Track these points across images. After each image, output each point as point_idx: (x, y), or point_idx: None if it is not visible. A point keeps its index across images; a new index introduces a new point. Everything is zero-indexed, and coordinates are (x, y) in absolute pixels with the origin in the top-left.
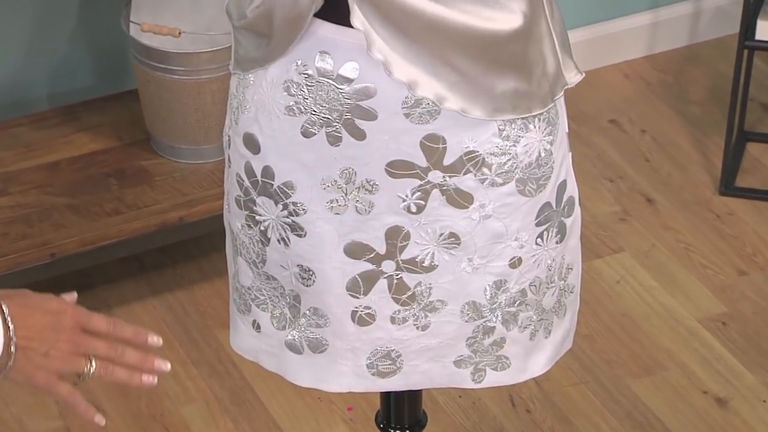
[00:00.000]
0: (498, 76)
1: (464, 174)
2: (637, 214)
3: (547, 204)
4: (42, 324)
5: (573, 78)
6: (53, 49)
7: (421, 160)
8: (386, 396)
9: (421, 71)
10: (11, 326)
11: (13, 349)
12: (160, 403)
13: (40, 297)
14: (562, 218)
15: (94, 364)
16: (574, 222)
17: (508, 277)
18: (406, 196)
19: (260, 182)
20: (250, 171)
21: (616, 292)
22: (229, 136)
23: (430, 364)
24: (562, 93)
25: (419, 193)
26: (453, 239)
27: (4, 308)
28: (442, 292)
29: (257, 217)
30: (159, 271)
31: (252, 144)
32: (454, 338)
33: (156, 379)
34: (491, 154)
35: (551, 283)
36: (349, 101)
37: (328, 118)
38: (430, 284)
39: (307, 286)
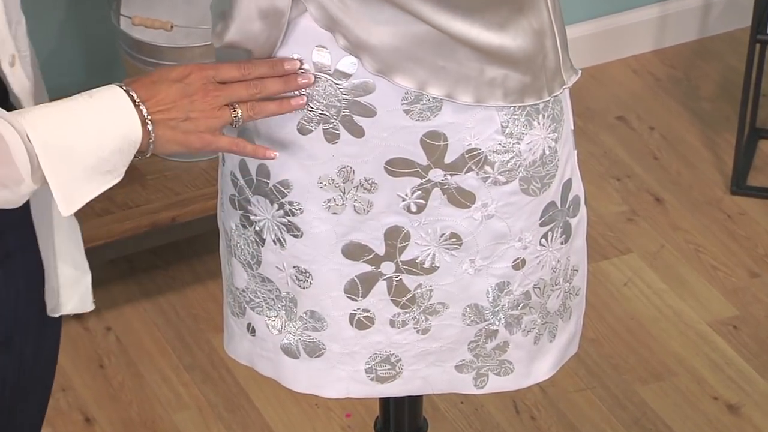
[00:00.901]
0: (487, 62)
1: (466, 172)
2: (645, 214)
3: (552, 203)
4: (172, 93)
5: (572, 78)
6: (40, 43)
7: (421, 158)
8: (385, 402)
9: (400, 57)
10: (143, 107)
11: (150, 127)
12: (151, 410)
13: (163, 69)
14: (567, 218)
15: (239, 109)
16: (579, 222)
17: (512, 279)
18: (406, 195)
19: (255, 181)
20: (244, 169)
21: (623, 295)
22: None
23: (430, 369)
24: (560, 91)
25: (419, 192)
26: (454, 240)
27: (132, 94)
28: (443, 294)
29: (252, 217)
30: (150, 274)
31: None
32: (456, 342)
33: (305, 100)
34: (494, 151)
35: (556, 285)
36: (347, 97)
37: (325, 115)
38: (430, 286)
39: (303, 288)
